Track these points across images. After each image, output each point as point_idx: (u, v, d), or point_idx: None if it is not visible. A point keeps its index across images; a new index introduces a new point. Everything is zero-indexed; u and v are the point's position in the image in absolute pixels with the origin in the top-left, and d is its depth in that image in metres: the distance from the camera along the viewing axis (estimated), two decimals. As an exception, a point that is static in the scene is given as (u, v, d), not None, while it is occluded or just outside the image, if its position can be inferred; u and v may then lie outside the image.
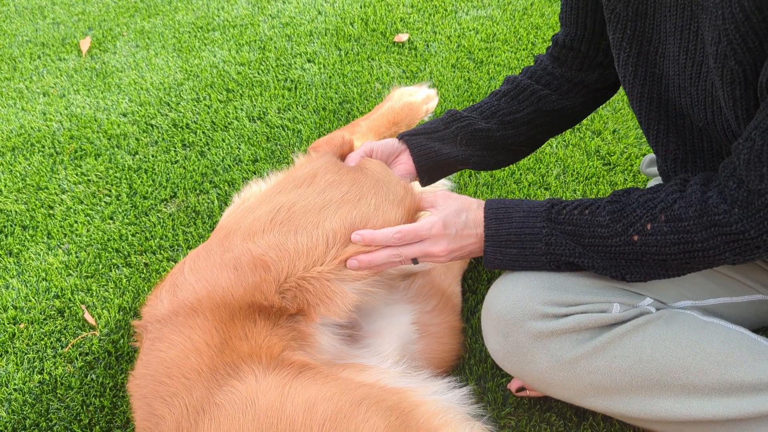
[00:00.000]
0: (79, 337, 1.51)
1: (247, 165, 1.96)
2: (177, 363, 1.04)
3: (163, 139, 2.10)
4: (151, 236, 1.75)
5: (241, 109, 2.19)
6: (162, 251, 1.71)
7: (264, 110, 2.18)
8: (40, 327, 1.54)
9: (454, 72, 2.27)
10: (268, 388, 0.98)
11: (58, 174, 1.99)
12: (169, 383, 1.03)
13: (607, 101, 2.02)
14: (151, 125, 2.17)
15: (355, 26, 2.58)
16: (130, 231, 1.77)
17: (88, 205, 1.87)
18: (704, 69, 0.93)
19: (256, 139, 2.06)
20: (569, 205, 1.06)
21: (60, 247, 1.75)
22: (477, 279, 1.54)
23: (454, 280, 1.47)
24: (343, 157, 1.36)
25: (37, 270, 1.69)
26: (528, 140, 1.36)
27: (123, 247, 1.73)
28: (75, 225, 1.81)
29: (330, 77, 2.31)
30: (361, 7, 2.70)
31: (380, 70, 2.31)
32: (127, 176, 1.96)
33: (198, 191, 1.89)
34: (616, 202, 1.01)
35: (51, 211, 1.87)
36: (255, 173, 1.92)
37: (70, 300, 1.60)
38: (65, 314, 1.57)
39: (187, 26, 2.74)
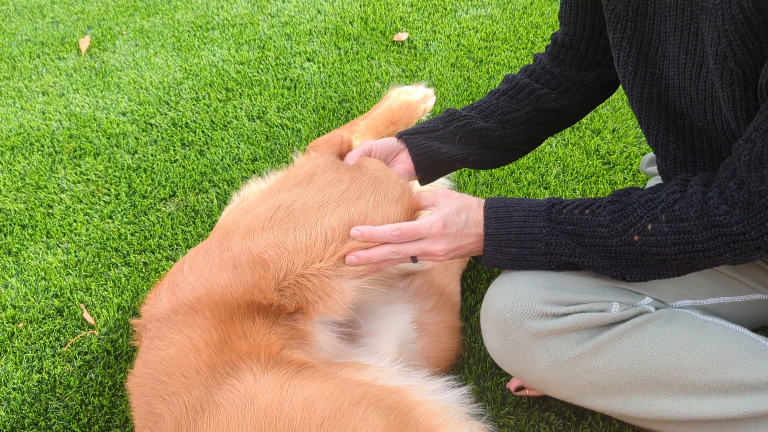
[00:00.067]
0: (78, 336, 1.51)
1: (246, 164, 1.96)
2: (176, 362, 1.04)
3: (163, 138, 2.10)
4: (150, 235, 1.75)
5: (241, 108, 2.19)
6: (161, 250, 1.70)
7: (263, 109, 2.18)
8: (39, 326, 1.54)
9: (454, 71, 2.26)
10: (267, 386, 0.98)
11: (58, 173, 1.99)
12: (168, 382, 1.03)
13: (607, 100, 2.02)
14: (151, 124, 2.16)
15: (355, 25, 2.58)
16: (129, 230, 1.77)
17: (87, 204, 1.87)
18: (704, 69, 0.93)
19: (255, 138, 2.06)
20: (569, 204, 1.06)
21: (59, 246, 1.75)
22: (476, 278, 1.54)
23: (454, 279, 1.47)
24: (341, 156, 1.36)
25: (36, 269, 1.69)
26: (527, 139, 1.36)
27: (122, 246, 1.73)
28: (74, 224, 1.81)
29: (329, 76, 2.31)
30: (360, 6, 2.70)
31: (380, 69, 2.31)
32: (127, 175, 1.96)
33: (197, 190, 1.89)
34: (616, 202, 1.01)
35: (50, 210, 1.87)
36: (254, 172, 1.92)
37: (69, 299, 1.60)
38: (64, 313, 1.57)
39: (186, 25, 2.74)
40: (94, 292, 1.61)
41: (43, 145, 2.11)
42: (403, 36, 2.47)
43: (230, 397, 0.97)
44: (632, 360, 1.03)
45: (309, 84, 2.28)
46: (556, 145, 1.90)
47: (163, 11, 2.87)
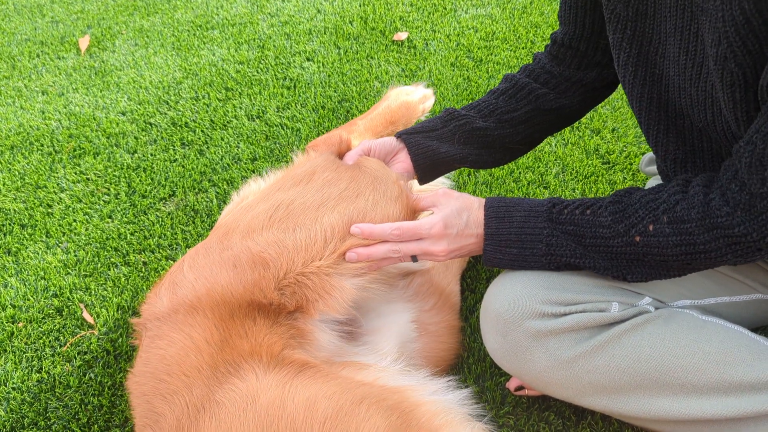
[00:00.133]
0: (78, 336, 1.51)
1: (245, 164, 1.96)
2: (177, 360, 1.04)
3: (162, 137, 2.10)
4: (150, 235, 1.75)
5: (240, 108, 2.19)
6: (161, 250, 1.70)
7: (263, 109, 2.18)
8: (39, 326, 1.54)
9: (454, 71, 2.27)
10: (269, 386, 0.98)
11: (57, 173, 1.99)
12: (169, 381, 1.03)
13: (606, 100, 2.02)
14: (150, 124, 2.16)
15: (354, 25, 2.58)
16: (128, 230, 1.77)
17: (86, 204, 1.87)
18: (704, 70, 0.94)
19: (255, 137, 2.06)
20: (570, 204, 1.06)
21: (59, 246, 1.75)
22: (476, 278, 1.54)
23: (453, 278, 1.47)
24: (341, 156, 1.36)
25: (36, 269, 1.69)
26: (526, 139, 1.36)
27: (122, 245, 1.73)
28: (74, 224, 1.80)
29: (329, 76, 2.31)
30: (360, 6, 2.70)
31: (379, 69, 2.31)
32: (126, 175, 1.96)
33: (197, 190, 1.89)
34: (618, 202, 1.01)
35: (50, 210, 1.86)
36: (254, 172, 1.92)
37: (68, 299, 1.60)
38: (64, 313, 1.57)
39: (186, 25, 2.74)
40: (93, 292, 1.61)
41: (42, 145, 2.11)
42: (402, 35, 2.47)
43: (232, 396, 0.97)
44: (632, 360, 1.03)
45: (308, 83, 2.28)
46: (555, 145, 1.90)
47: (162, 10, 2.87)
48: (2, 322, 1.55)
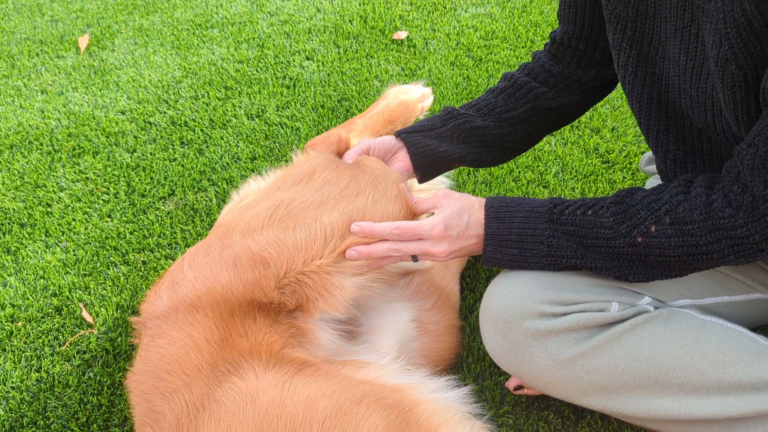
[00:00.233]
0: (77, 335, 1.51)
1: (245, 163, 1.96)
2: (177, 359, 1.04)
3: (162, 136, 2.10)
4: (149, 234, 1.75)
5: (240, 107, 2.19)
6: (160, 249, 1.70)
7: (262, 108, 2.18)
8: (38, 325, 1.54)
9: (453, 70, 2.26)
10: (269, 385, 0.98)
11: (56, 172, 1.99)
12: (168, 379, 1.03)
13: (606, 99, 2.02)
14: (150, 123, 2.16)
15: (354, 24, 2.58)
16: (128, 229, 1.77)
17: (86, 203, 1.87)
18: (704, 71, 0.93)
19: (254, 136, 2.06)
20: (572, 205, 1.06)
21: (58, 245, 1.75)
22: (475, 277, 1.54)
23: (453, 278, 1.47)
24: (340, 155, 1.36)
25: (35, 268, 1.69)
26: (525, 137, 1.36)
27: (121, 245, 1.73)
28: (73, 223, 1.80)
29: (329, 75, 2.31)
30: (359, 5, 2.70)
31: (379, 68, 2.31)
32: (126, 174, 1.96)
33: (196, 189, 1.89)
34: (619, 203, 1.01)
35: (49, 209, 1.86)
36: (253, 171, 1.92)
37: (67, 298, 1.60)
38: (63, 312, 1.57)
39: (185, 24, 2.74)
40: (92, 291, 1.61)
41: (42, 144, 2.11)
42: (402, 34, 2.47)
43: (232, 394, 0.97)
44: (631, 360, 1.03)
45: (308, 82, 2.28)
46: (555, 144, 1.90)
47: (162, 9, 2.87)
48: (1, 322, 1.55)
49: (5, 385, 1.42)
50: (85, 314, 1.55)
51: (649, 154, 1.49)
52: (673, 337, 1.03)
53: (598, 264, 1.04)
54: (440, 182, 1.58)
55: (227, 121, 2.14)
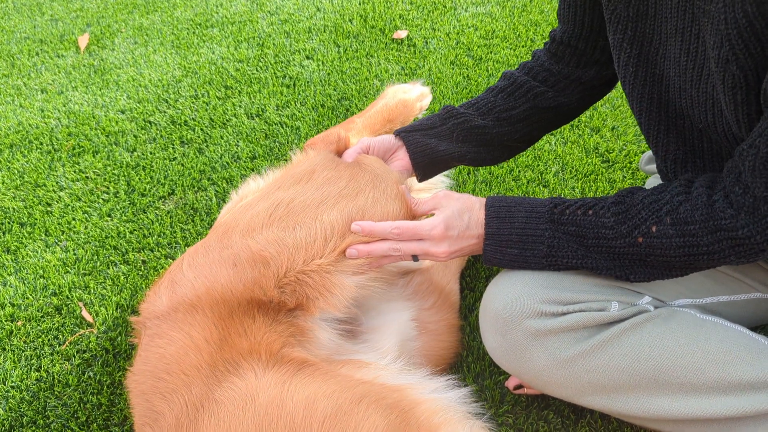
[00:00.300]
0: (77, 334, 1.51)
1: (245, 162, 1.96)
2: (176, 359, 1.04)
3: (162, 136, 2.10)
4: (149, 233, 1.75)
5: (240, 106, 2.19)
6: (160, 248, 1.70)
7: (262, 107, 2.17)
8: (38, 324, 1.54)
9: (453, 69, 2.26)
10: (268, 384, 0.98)
11: (56, 171, 1.99)
12: (168, 379, 1.03)
13: (606, 98, 2.02)
14: (150, 122, 2.16)
15: (354, 23, 2.57)
16: (128, 228, 1.77)
17: (86, 203, 1.87)
18: (705, 71, 0.93)
19: (254, 136, 2.06)
20: (572, 205, 1.05)
21: (58, 245, 1.75)
22: (475, 276, 1.54)
23: (453, 277, 1.47)
24: (339, 154, 1.36)
25: (35, 267, 1.69)
26: (524, 136, 1.36)
27: (121, 244, 1.73)
28: (73, 222, 1.80)
29: (328, 74, 2.31)
30: (359, 4, 2.69)
31: (379, 67, 2.31)
32: (125, 173, 1.96)
33: (196, 188, 1.89)
34: (620, 203, 1.01)
35: (49, 209, 1.86)
36: (253, 170, 1.92)
37: (67, 297, 1.60)
38: (63, 312, 1.57)
39: (185, 23, 2.74)
40: (92, 291, 1.61)
41: (41, 143, 2.11)
42: (402, 34, 2.47)
43: (231, 394, 0.97)
44: (631, 359, 1.03)
45: (308, 82, 2.28)
46: (555, 143, 1.90)
47: (162, 9, 2.86)
48: (1, 321, 1.55)
49: (5, 384, 1.42)
50: (85, 313, 1.55)
51: (649, 153, 1.49)
52: (673, 336, 1.03)
53: (599, 264, 1.04)
54: (440, 181, 1.58)
55: (227, 120, 2.14)
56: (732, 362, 1.01)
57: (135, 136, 2.11)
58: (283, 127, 2.08)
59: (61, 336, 1.51)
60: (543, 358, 1.06)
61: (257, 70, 2.37)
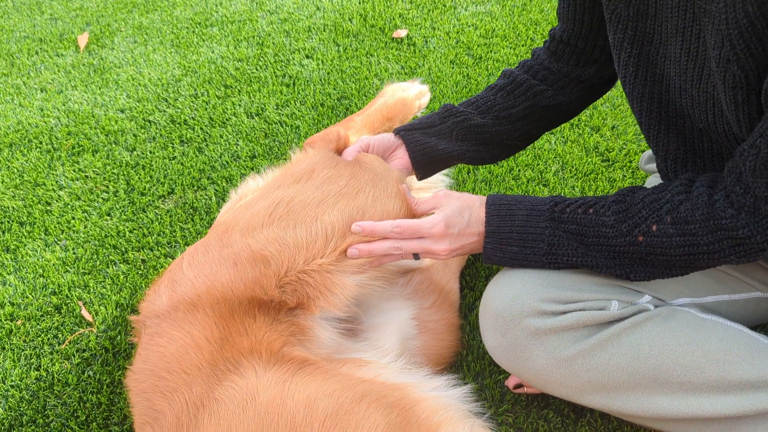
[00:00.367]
0: (76, 333, 1.51)
1: (245, 161, 1.96)
2: (177, 358, 1.04)
3: (161, 135, 2.10)
4: (149, 232, 1.75)
5: (239, 105, 2.19)
6: (159, 248, 1.70)
7: (262, 106, 2.17)
8: (37, 323, 1.54)
9: (453, 68, 2.26)
10: (269, 383, 0.98)
11: (56, 170, 1.99)
12: (168, 378, 1.03)
13: (606, 97, 2.02)
14: (149, 121, 2.16)
15: (354, 22, 2.57)
16: (127, 227, 1.77)
17: (85, 202, 1.87)
18: (706, 71, 0.93)
19: (254, 135, 2.06)
20: (573, 203, 1.05)
21: (57, 244, 1.75)
22: (475, 276, 1.54)
23: (453, 276, 1.47)
24: (339, 152, 1.36)
25: (34, 266, 1.68)
26: (524, 135, 1.36)
27: (120, 243, 1.73)
28: (72, 221, 1.80)
29: (328, 73, 2.31)
30: (359, 3, 2.69)
31: (379, 66, 2.31)
32: (125, 172, 1.96)
33: (196, 187, 1.89)
34: (621, 201, 1.01)
35: (48, 208, 1.86)
36: (253, 169, 1.92)
37: (67, 296, 1.60)
38: (62, 311, 1.56)
39: (185, 22, 2.73)
40: (92, 290, 1.61)
41: (41, 142, 2.10)
42: (402, 33, 2.47)
43: (232, 393, 0.97)
44: (631, 358, 1.03)
45: (308, 81, 2.27)
46: (555, 143, 1.90)
47: (161, 8, 2.86)
48: (1, 320, 1.55)
49: (5, 384, 1.42)
50: (85, 313, 1.55)
51: (649, 152, 1.49)
52: (673, 335, 1.03)
53: (599, 262, 1.04)
54: (439, 180, 1.58)
55: (227, 119, 2.14)
56: (732, 361, 1.01)
57: (134, 135, 2.11)
58: (282, 126, 2.08)
59: (60, 335, 1.51)
60: (543, 357, 1.06)
61: (257, 69, 2.37)
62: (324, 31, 2.55)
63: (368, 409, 0.95)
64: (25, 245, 1.75)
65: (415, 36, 2.46)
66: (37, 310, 1.57)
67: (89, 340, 1.49)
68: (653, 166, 1.47)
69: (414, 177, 1.36)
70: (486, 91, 1.36)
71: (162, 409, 1.00)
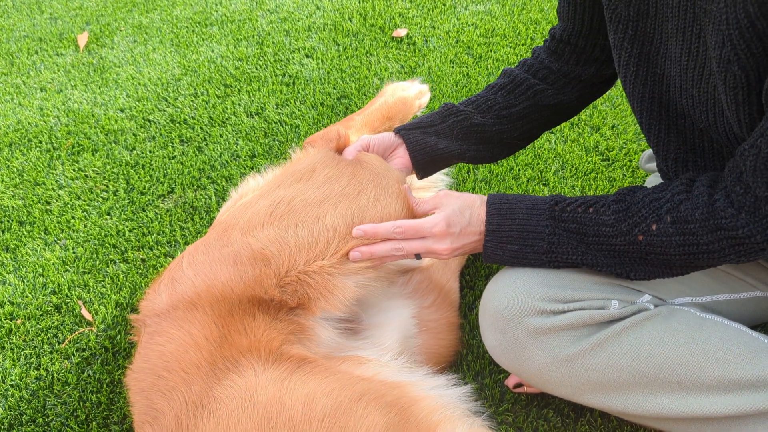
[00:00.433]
0: (76, 333, 1.51)
1: (244, 161, 1.96)
2: (176, 357, 1.04)
3: (161, 134, 2.09)
4: (149, 232, 1.75)
5: (239, 105, 2.19)
6: (159, 247, 1.70)
7: (262, 106, 2.17)
8: (37, 323, 1.54)
9: (453, 67, 2.26)
10: (268, 382, 0.98)
11: (56, 169, 1.99)
12: (168, 377, 1.03)
13: (606, 96, 2.02)
14: (149, 121, 2.16)
15: (354, 21, 2.57)
16: (127, 227, 1.77)
17: (85, 201, 1.87)
18: (706, 71, 0.93)
19: (253, 134, 2.06)
20: (573, 202, 1.05)
21: (57, 243, 1.75)
22: (475, 275, 1.54)
23: (453, 275, 1.47)
24: (339, 151, 1.36)
25: (34, 266, 1.68)
26: (524, 134, 1.36)
27: (120, 242, 1.72)
28: (72, 221, 1.80)
29: (328, 72, 2.30)
30: (359, 2, 2.69)
31: (378, 66, 2.31)
32: (125, 172, 1.96)
33: (195, 187, 1.89)
34: (621, 201, 1.01)
35: (48, 207, 1.86)
36: (252, 169, 1.92)
37: (66, 296, 1.60)
38: (62, 310, 1.56)
39: (184, 21, 2.73)
40: (92, 289, 1.61)
41: (41, 142, 2.10)
42: (402, 32, 2.46)
43: (230, 392, 0.97)
44: (631, 357, 1.03)
45: (308, 80, 2.27)
46: (555, 142, 1.90)
47: (161, 7, 2.86)
48: (0, 319, 1.55)
49: (4, 383, 1.42)
50: (85, 312, 1.55)
51: (649, 151, 1.49)
52: (673, 335, 1.03)
53: (599, 261, 1.04)
54: (440, 180, 1.58)
55: (226, 118, 2.14)
56: (732, 361, 1.01)
57: (134, 134, 2.10)
58: (282, 126, 2.08)
59: (60, 334, 1.51)
60: (542, 357, 1.06)
61: (257, 69, 2.37)
62: (324, 30, 2.55)
63: (367, 407, 0.95)
64: (24, 244, 1.75)
65: (415, 35, 2.46)
66: (37, 309, 1.57)
67: (89, 340, 1.49)
68: (653, 165, 1.47)
69: (414, 176, 1.36)
70: (486, 90, 1.36)
71: (161, 408, 1.00)
